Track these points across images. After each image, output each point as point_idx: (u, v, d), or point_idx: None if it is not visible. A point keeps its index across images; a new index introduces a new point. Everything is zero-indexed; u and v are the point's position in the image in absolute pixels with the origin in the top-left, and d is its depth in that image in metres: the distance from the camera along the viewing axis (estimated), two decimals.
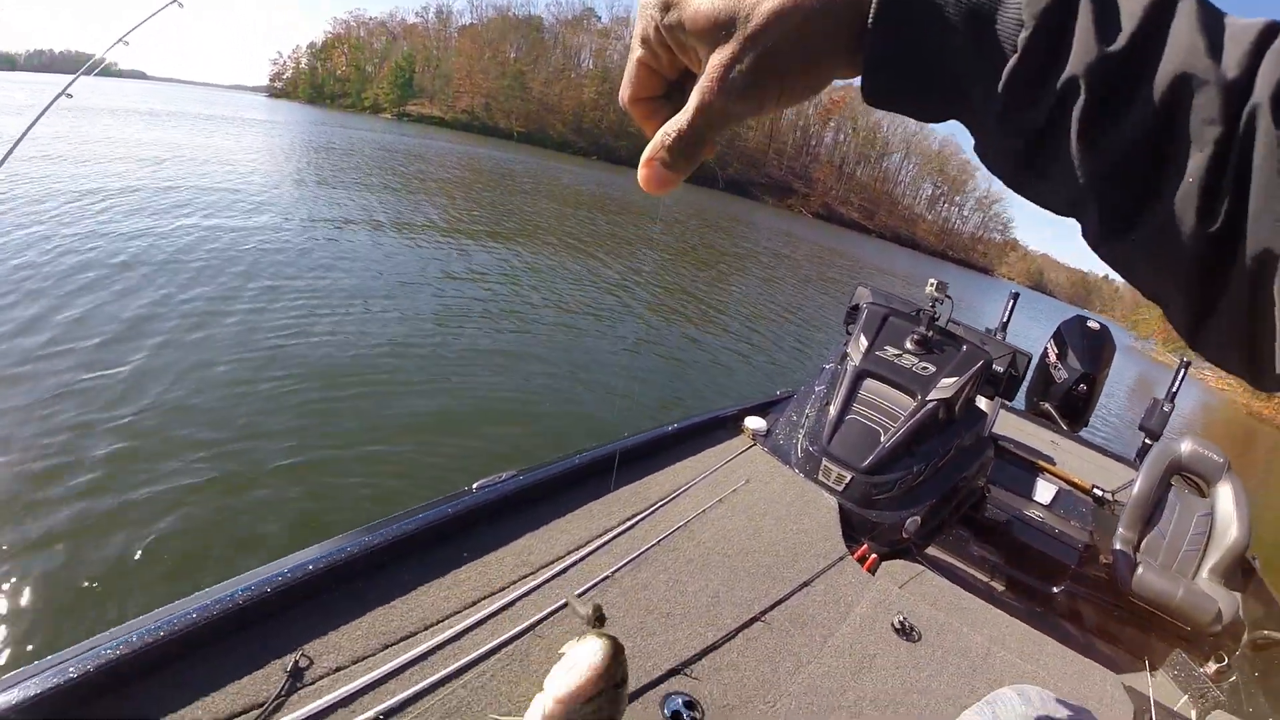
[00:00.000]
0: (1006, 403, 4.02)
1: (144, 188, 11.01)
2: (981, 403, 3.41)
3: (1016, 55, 0.38)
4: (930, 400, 3.01)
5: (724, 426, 3.25)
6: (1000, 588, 3.17)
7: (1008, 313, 5.17)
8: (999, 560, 3.29)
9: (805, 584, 2.33)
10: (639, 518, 2.40)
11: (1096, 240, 0.42)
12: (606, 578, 2.07)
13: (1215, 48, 0.36)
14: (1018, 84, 0.39)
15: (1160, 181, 0.37)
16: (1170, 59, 0.36)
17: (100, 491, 3.53)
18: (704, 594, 2.13)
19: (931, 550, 3.12)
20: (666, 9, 0.43)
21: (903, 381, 3.10)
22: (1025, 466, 4.10)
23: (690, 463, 2.88)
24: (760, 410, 3.41)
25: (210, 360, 5.16)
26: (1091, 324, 5.12)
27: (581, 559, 2.12)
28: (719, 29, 0.41)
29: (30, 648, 2.68)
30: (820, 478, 2.92)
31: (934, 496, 2.97)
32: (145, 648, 1.39)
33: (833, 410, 3.06)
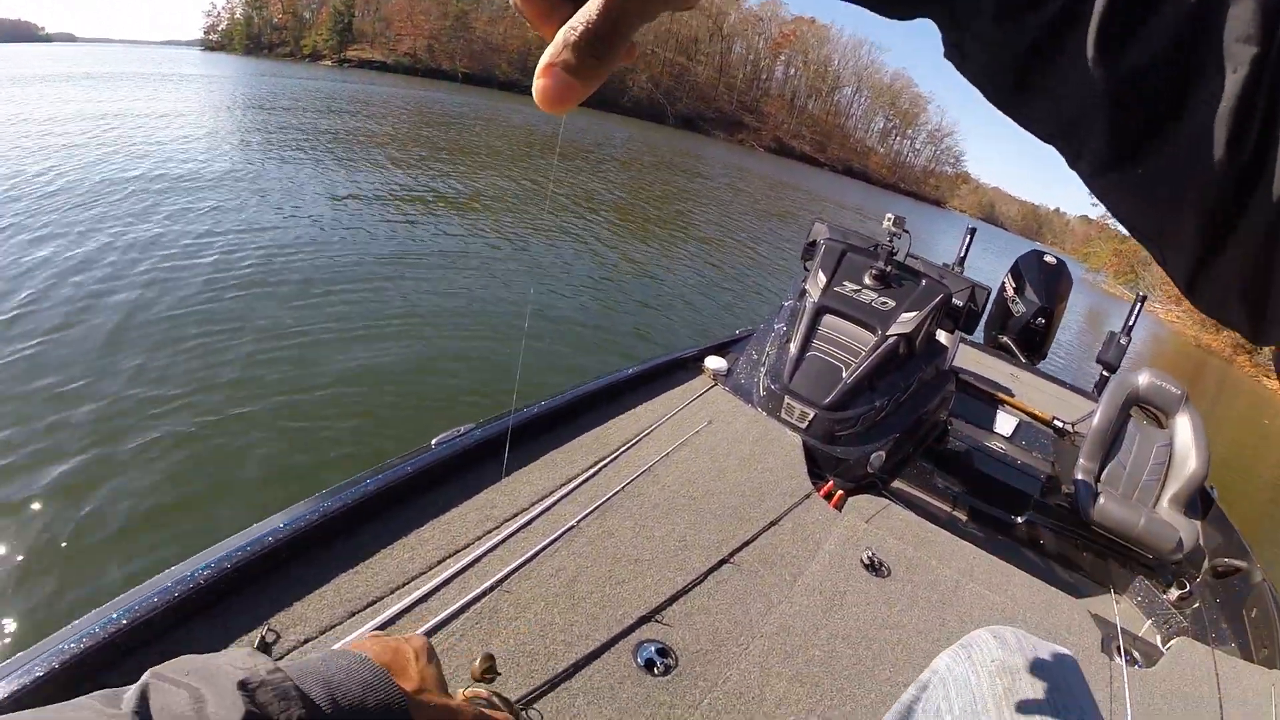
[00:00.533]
0: (966, 336, 4.05)
1: (89, 158, 10.43)
2: (941, 336, 3.42)
3: None
4: (891, 335, 3.01)
5: (684, 367, 3.22)
6: (965, 520, 3.23)
7: (965, 247, 5.19)
8: (963, 492, 3.35)
9: (772, 523, 2.33)
10: (602, 464, 2.38)
11: (1097, 168, 0.37)
12: (572, 528, 2.05)
13: None
14: None
15: (1184, 103, 0.33)
16: None
17: (64, 457, 3.46)
18: (671, 538, 2.12)
19: (896, 484, 3.16)
20: None
21: (862, 317, 3.09)
22: (986, 399, 4.15)
23: (651, 405, 2.85)
24: (720, 350, 3.39)
25: (171, 321, 5.06)
26: (1049, 258, 5.18)
27: (546, 510, 2.10)
28: None
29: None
30: (783, 415, 2.92)
31: (897, 431, 2.99)
32: (108, 637, 1.34)
33: (793, 348, 3.05)
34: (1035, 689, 0.86)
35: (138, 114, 16.02)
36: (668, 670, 1.67)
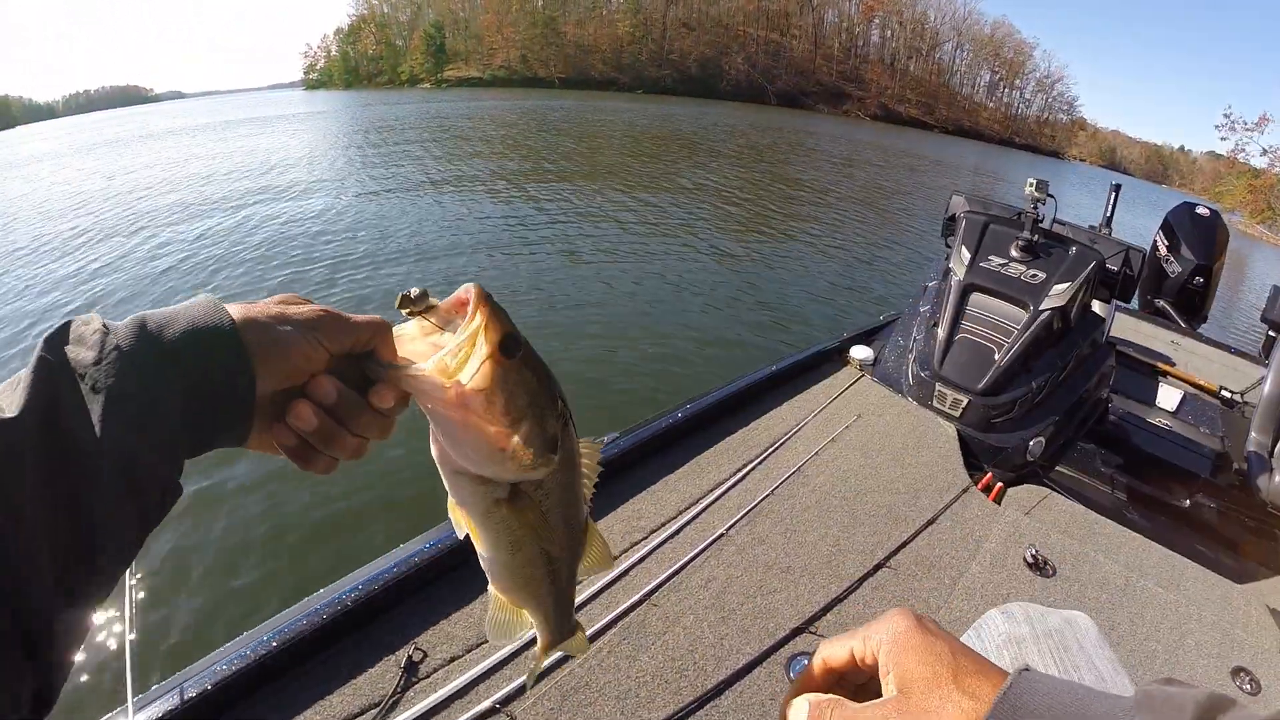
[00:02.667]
0: (1121, 304, 3.74)
1: (223, 193, 11.29)
2: (1096, 307, 3.17)
3: None
4: (1044, 310, 2.80)
5: (829, 360, 3.13)
6: (1129, 505, 2.99)
7: (1111, 206, 4.79)
8: (1126, 475, 3.09)
9: (930, 522, 2.22)
10: (749, 466, 2.33)
11: None
12: (720, 536, 2.01)
13: None
14: None
15: None
16: None
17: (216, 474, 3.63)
18: (824, 543, 2.05)
19: (1058, 470, 2.95)
20: (890, 652, 0.52)
21: (1012, 292, 2.89)
22: (1146, 372, 3.84)
23: (798, 402, 2.78)
24: (865, 338, 3.30)
25: None
26: (1201, 210, 4.69)
27: (693, 519, 2.07)
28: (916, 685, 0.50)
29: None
30: (935, 404, 2.79)
31: (1057, 414, 2.79)
32: (260, 659, 1.40)
33: (941, 331, 2.89)
34: (1043, 656, 0.86)
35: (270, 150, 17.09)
36: None
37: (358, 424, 0.54)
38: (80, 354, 0.42)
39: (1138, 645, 1.89)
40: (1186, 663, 1.86)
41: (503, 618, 0.70)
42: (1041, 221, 3.11)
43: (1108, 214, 4.70)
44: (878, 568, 1.99)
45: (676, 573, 1.86)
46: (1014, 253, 3.02)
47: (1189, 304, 4.66)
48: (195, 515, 3.40)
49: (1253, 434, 2.90)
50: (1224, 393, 3.63)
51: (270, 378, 0.49)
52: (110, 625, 2.73)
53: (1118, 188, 4.87)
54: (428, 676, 1.49)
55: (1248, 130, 39.01)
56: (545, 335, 5.71)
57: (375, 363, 0.54)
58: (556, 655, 0.78)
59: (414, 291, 0.54)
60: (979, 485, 2.47)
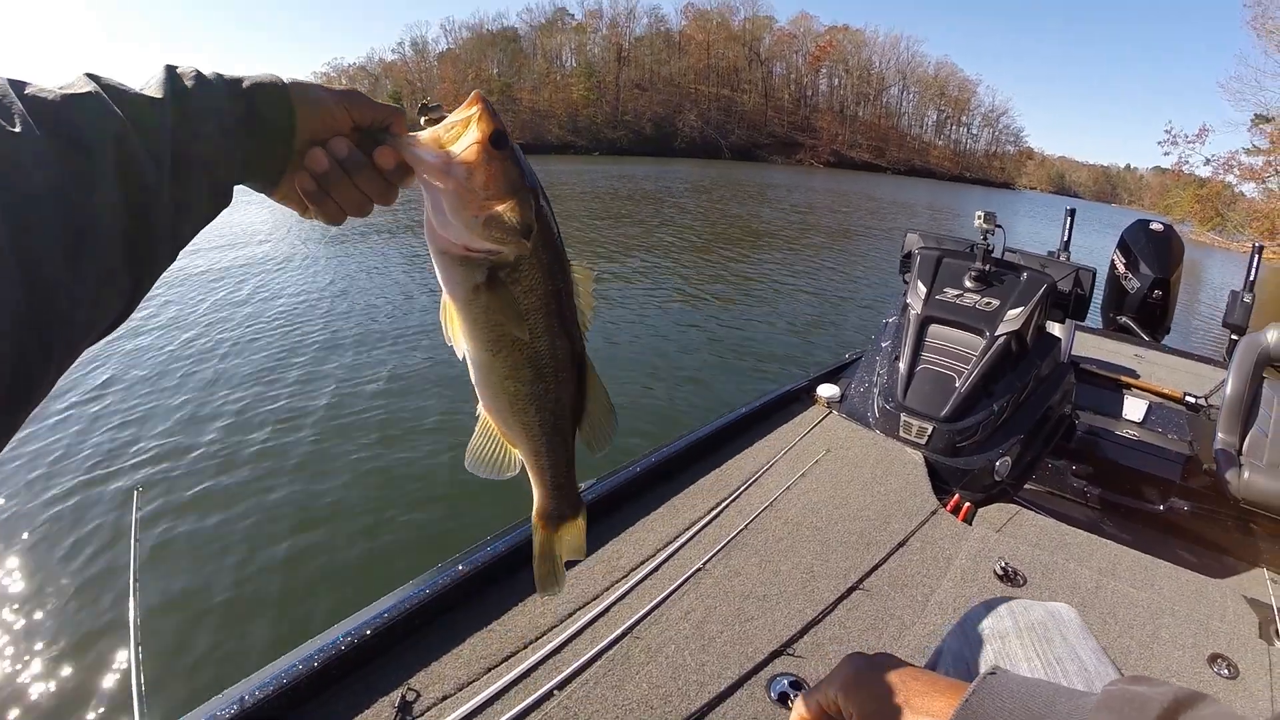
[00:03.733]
0: (1080, 323, 3.86)
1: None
2: (1054, 328, 3.28)
3: None
4: (999, 335, 2.90)
5: (797, 399, 3.19)
6: (1103, 515, 3.06)
7: (1067, 231, 4.96)
8: (1097, 487, 3.17)
9: (900, 544, 2.27)
10: (723, 505, 2.37)
11: None
12: (698, 570, 2.04)
13: None
14: None
15: None
16: None
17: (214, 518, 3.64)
18: (798, 571, 2.09)
19: (1027, 488, 3.02)
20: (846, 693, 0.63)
21: (968, 321, 2.99)
22: (1111, 386, 3.94)
23: (768, 441, 2.83)
24: (831, 376, 3.36)
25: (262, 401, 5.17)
26: (1155, 226, 4.89)
27: (670, 556, 2.10)
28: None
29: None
30: (901, 434, 2.85)
31: (1021, 432, 2.86)
32: (257, 705, 1.41)
33: (902, 364, 2.97)
34: (1026, 649, 0.88)
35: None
36: None
37: (361, 178, 0.65)
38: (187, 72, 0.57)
39: (1111, 642, 1.93)
40: (1161, 655, 1.90)
41: (486, 447, 0.72)
42: (992, 251, 3.23)
43: (1065, 238, 4.87)
44: (851, 590, 2.03)
45: (656, 607, 1.88)
46: (968, 283, 3.13)
47: (1150, 318, 4.82)
48: (204, 558, 3.44)
49: (1219, 434, 2.98)
50: (1188, 398, 3.72)
51: (304, 129, 0.63)
52: (118, 667, 2.76)
53: (1072, 212, 5.06)
54: (421, 714, 1.50)
55: (1189, 143, 40.10)
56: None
57: (387, 132, 0.66)
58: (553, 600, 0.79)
59: (430, 101, 0.66)
60: (948, 507, 2.52)
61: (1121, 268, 4.87)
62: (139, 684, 1.32)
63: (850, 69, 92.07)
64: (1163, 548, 2.63)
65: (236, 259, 10.72)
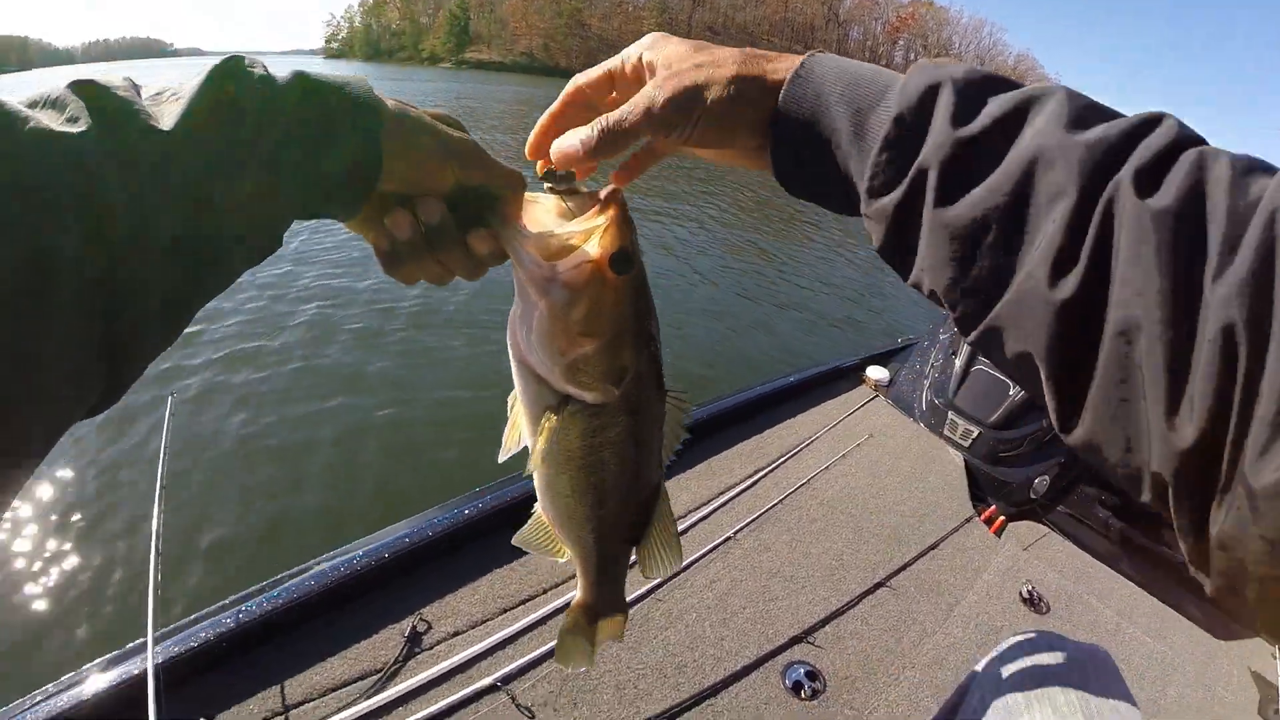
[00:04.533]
0: None
1: None
2: None
3: (877, 145, 0.48)
4: None
5: (845, 377, 3.14)
6: (1123, 551, 3.00)
7: None
8: (1121, 521, 3.11)
9: (932, 547, 2.23)
10: (760, 474, 2.34)
11: (965, 321, 0.46)
12: (729, 539, 2.02)
13: (1076, 131, 0.40)
14: (879, 168, 0.48)
15: (1015, 252, 0.41)
16: (1023, 142, 0.42)
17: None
18: (828, 556, 2.06)
19: (1057, 511, 2.97)
20: (652, 48, 0.57)
21: None
22: None
23: (811, 415, 2.78)
24: (882, 359, 3.30)
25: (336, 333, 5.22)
26: None
27: (702, 518, 2.08)
28: (681, 61, 0.54)
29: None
30: (946, 432, 2.79)
31: (1064, 454, 2.79)
32: (266, 615, 1.42)
33: (959, 361, 2.89)
34: (1065, 686, 0.89)
35: None
36: (815, 695, 1.61)
37: (447, 254, 0.54)
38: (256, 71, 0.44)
39: None
40: (1168, 712, 1.88)
41: (538, 538, 0.67)
42: None
43: None
44: (878, 586, 2.00)
45: (682, 570, 1.87)
46: None
47: None
48: (240, 463, 3.51)
49: None
50: None
51: (394, 178, 0.49)
52: (137, 561, 2.82)
53: None
54: (431, 648, 1.50)
55: None
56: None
57: (494, 209, 0.53)
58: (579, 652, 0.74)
59: (561, 170, 0.55)
60: (981, 516, 2.48)
61: None
62: (155, 584, 1.31)
63: (929, 45, 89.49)
64: (1179, 599, 2.59)
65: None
